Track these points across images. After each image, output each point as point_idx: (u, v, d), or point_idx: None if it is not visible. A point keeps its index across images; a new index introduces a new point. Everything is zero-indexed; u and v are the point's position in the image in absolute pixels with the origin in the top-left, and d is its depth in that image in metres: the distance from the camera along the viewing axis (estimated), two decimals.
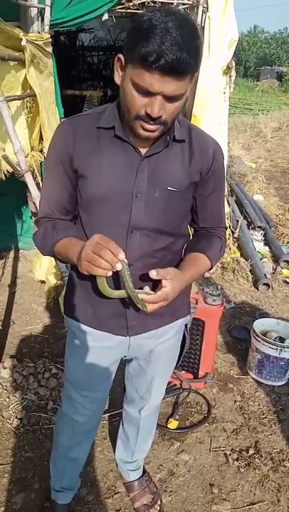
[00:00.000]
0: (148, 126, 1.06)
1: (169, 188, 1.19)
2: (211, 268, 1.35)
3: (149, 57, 0.94)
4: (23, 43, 2.73)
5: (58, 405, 2.22)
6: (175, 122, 1.18)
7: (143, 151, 1.17)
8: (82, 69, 8.17)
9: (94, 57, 8.14)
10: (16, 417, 2.21)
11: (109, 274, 1.02)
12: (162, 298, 1.12)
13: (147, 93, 1.00)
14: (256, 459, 2.12)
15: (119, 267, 1.01)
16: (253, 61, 43.17)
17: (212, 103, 3.34)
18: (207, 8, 3.20)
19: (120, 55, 1.04)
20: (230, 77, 3.26)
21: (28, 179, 2.54)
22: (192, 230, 1.42)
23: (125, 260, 1.03)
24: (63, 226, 1.26)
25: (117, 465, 1.95)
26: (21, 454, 2.04)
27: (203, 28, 3.25)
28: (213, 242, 1.35)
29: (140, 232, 1.20)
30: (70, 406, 1.50)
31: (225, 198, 1.44)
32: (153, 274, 1.09)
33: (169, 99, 1.02)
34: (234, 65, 3.22)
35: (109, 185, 1.17)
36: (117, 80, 1.07)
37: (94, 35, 7.92)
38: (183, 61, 0.94)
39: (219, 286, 2.58)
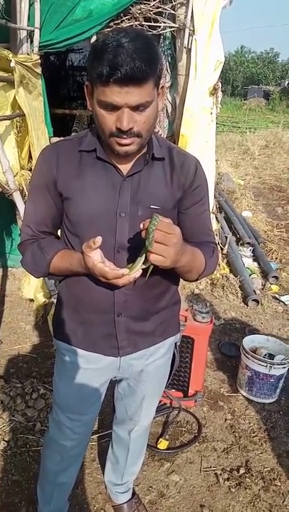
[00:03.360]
0: (123, 141, 1.08)
1: (152, 206, 1.20)
2: (203, 272, 1.26)
3: (104, 73, 0.97)
4: (12, 64, 2.77)
5: (46, 427, 2.18)
6: (154, 141, 1.21)
7: (124, 171, 1.20)
8: (72, 88, 8.27)
9: (84, 77, 8.24)
10: (3, 439, 2.17)
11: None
12: (171, 228, 1.02)
13: (113, 108, 1.03)
14: (247, 479, 2.10)
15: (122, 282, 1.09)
16: (241, 80, 44.09)
17: (199, 123, 3.39)
18: (193, 32, 3.28)
19: (87, 82, 1.08)
20: (216, 97, 3.32)
21: (17, 198, 2.55)
22: None
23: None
24: (48, 243, 1.27)
25: (106, 487, 1.91)
26: (8, 478, 2.00)
27: (189, 50, 3.33)
28: (206, 246, 1.30)
29: (127, 251, 1.20)
30: (58, 431, 1.47)
31: (213, 215, 1.44)
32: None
33: (136, 109, 1.04)
34: (220, 86, 3.29)
35: (94, 206, 1.19)
36: (89, 106, 1.11)
37: (84, 55, 8.03)
38: (138, 69, 0.97)
39: (208, 304, 2.58)
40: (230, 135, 11.72)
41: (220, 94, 3.26)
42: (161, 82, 1.10)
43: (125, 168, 1.20)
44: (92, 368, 1.37)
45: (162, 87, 1.11)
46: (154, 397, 1.58)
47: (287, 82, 35.06)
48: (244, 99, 30.16)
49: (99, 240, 1.04)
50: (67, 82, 8.17)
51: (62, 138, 1.30)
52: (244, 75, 46.06)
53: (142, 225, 1.02)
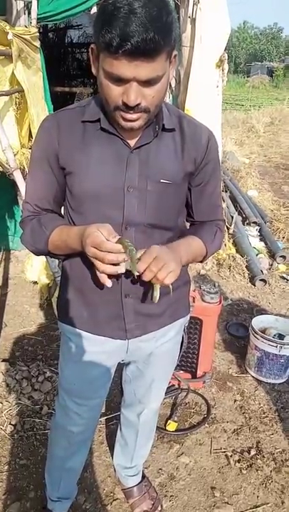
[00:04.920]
0: (128, 116, 1.00)
1: (162, 180, 1.12)
2: (206, 256, 1.26)
3: (113, 43, 0.87)
4: (10, 36, 2.66)
5: (53, 410, 2.15)
6: (164, 110, 1.12)
7: (132, 142, 1.11)
8: (72, 66, 8.09)
9: (83, 54, 8.04)
10: (10, 423, 2.13)
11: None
12: (151, 256, 1.02)
13: (120, 81, 0.94)
14: (258, 460, 2.07)
15: (121, 270, 1.04)
16: (244, 57, 43.21)
17: (205, 97, 3.27)
18: (198, 0, 3.14)
19: (93, 45, 0.98)
20: (222, 70, 3.19)
21: (18, 177, 2.46)
22: (188, 225, 1.35)
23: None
24: (48, 218, 1.20)
25: (115, 470, 1.88)
26: (16, 462, 1.97)
27: (194, 20, 3.19)
28: (208, 228, 1.28)
29: (135, 228, 1.13)
30: (65, 416, 1.43)
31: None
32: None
33: (146, 83, 0.95)
34: (227, 57, 3.15)
35: (99, 180, 1.11)
36: (94, 71, 1.01)
37: (83, 31, 7.83)
38: (151, 41, 0.87)
39: (216, 284, 2.52)
40: (234, 113, 11.48)
41: (226, 66, 3.13)
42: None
43: (132, 139, 1.11)
44: (99, 351, 1.31)
45: (175, 55, 1.00)
46: (163, 380, 1.53)
47: None
48: (247, 77, 29.53)
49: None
50: (67, 60, 8.00)
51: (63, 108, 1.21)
52: (247, 51, 45.17)
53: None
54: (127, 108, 0.98)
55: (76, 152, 1.12)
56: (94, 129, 1.11)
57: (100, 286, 1.20)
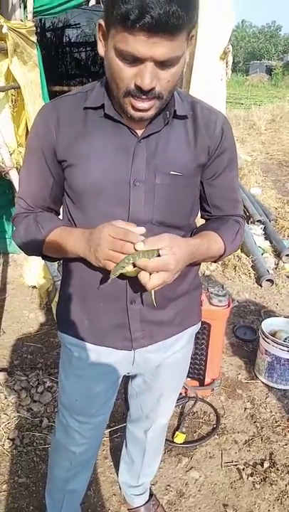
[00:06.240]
0: (139, 105, 0.88)
1: (172, 172, 1.00)
2: (222, 257, 1.13)
3: (131, 15, 0.76)
4: (5, 30, 2.55)
5: (54, 422, 2.03)
6: (175, 95, 1.00)
7: (139, 131, 0.99)
8: (70, 65, 7.98)
9: (82, 53, 7.94)
10: (8, 438, 2.01)
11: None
12: (161, 265, 0.90)
13: (134, 61, 0.82)
14: (272, 473, 1.94)
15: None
16: (242, 56, 43.02)
17: (209, 91, 3.14)
18: None
19: (101, 21, 0.86)
20: (226, 62, 3.07)
21: (14, 176, 2.35)
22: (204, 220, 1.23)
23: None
24: (46, 217, 1.09)
25: (120, 488, 1.76)
26: (14, 480, 1.85)
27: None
28: (228, 222, 1.15)
29: (142, 226, 1.01)
30: (65, 435, 1.30)
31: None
32: (140, 246, 0.88)
33: (162, 64, 0.83)
34: (231, 49, 3.03)
35: (102, 173, 0.99)
36: (101, 51, 0.89)
37: (81, 30, 7.73)
38: (173, 15, 0.75)
39: (224, 286, 2.40)
40: (235, 111, 11.35)
41: (230, 58, 3.01)
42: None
43: (140, 127, 0.99)
44: (102, 364, 1.19)
45: (192, 36, 0.88)
46: (172, 394, 1.40)
47: None
48: (246, 75, 29.39)
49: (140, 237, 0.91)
50: (65, 59, 7.88)
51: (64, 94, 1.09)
52: (245, 50, 45.01)
53: (142, 245, 0.90)
54: (140, 92, 0.86)
55: (76, 142, 1.00)
56: (97, 115, 1.00)
57: (104, 291, 1.09)
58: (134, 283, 1.05)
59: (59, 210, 1.16)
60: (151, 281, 0.90)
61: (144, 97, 0.87)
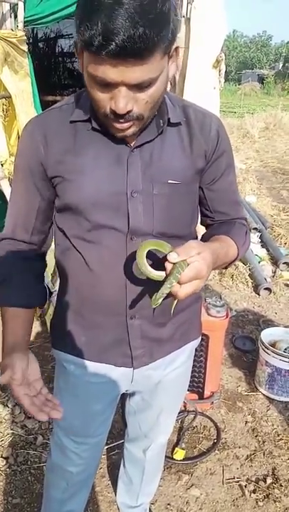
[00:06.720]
0: (118, 126, 0.84)
1: (170, 181, 0.96)
2: (234, 260, 1.07)
3: (94, 42, 0.71)
4: None
5: (48, 440, 1.96)
6: (167, 101, 0.95)
7: (132, 140, 0.95)
8: (63, 75, 8.00)
9: (74, 63, 7.96)
10: (2, 456, 1.94)
11: None
12: (195, 274, 0.82)
13: (107, 86, 0.78)
14: (276, 489, 1.88)
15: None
16: (234, 65, 43.42)
17: (202, 99, 3.13)
18: None
19: (76, 39, 0.80)
20: (219, 71, 3.06)
21: (5, 187, 2.30)
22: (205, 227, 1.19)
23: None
24: (19, 282, 1.05)
25: (118, 509, 1.69)
26: (8, 501, 1.78)
27: (188, 20, 3.06)
28: (235, 226, 1.10)
29: (142, 238, 0.96)
30: (61, 456, 1.24)
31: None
32: (173, 257, 0.81)
33: (137, 87, 0.79)
34: (224, 57, 3.02)
35: (97, 186, 0.94)
36: (80, 68, 0.84)
37: (73, 40, 7.75)
38: (139, 39, 0.70)
39: (221, 296, 2.35)
40: (228, 119, 11.39)
41: (223, 66, 2.99)
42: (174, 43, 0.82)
43: (131, 138, 0.94)
44: (101, 382, 1.14)
45: (176, 47, 0.83)
46: (172, 411, 1.35)
47: (281, 65, 34.60)
48: (238, 84, 29.66)
49: None
50: (58, 69, 7.90)
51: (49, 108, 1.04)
52: (237, 59, 45.44)
53: (175, 255, 0.81)
54: (116, 116, 0.82)
55: (68, 157, 0.96)
56: (86, 128, 0.95)
57: (102, 306, 1.04)
58: (134, 296, 1.00)
59: (49, 232, 1.11)
60: (184, 290, 0.82)
61: (121, 120, 0.83)
